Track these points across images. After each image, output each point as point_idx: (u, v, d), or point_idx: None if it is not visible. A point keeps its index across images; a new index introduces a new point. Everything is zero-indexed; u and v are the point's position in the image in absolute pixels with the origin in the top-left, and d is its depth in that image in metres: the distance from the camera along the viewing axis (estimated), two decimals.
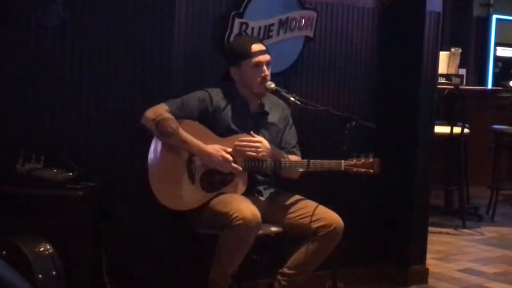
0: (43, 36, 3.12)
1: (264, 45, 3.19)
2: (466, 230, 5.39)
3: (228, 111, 3.15)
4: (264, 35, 3.48)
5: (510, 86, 8.31)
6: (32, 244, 2.86)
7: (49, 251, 2.86)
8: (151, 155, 3.04)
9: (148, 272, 3.25)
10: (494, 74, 8.83)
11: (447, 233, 5.27)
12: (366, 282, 3.91)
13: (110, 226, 3.19)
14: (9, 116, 3.14)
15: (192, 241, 3.20)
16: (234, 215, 2.86)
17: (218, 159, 3.03)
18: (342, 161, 3.13)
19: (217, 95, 3.16)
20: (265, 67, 3.13)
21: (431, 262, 4.30)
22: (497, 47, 8.83)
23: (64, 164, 3.08)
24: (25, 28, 3.10)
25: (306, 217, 3.09)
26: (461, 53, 6.57)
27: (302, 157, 3.24)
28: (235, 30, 3.39)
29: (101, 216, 3.14)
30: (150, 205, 3.05)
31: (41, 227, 2.94)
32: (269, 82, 3.21)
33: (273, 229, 3.12)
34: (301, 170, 3.18)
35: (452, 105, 5.49)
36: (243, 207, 2.89)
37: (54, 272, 2.84)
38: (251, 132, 3.13)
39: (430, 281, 4.05)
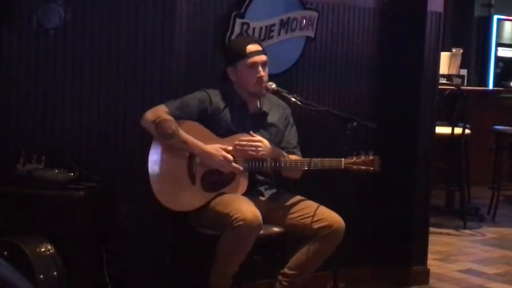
0: (44, 36, 3.12)
1: (261, 46, 3.18)
2: (467, 231, 5.39)
3: (227, 112, 3.15)
4: (265, 36, 3.48)
5: (511, 87, 8.31)
6: (33, 244, 2.86)
7: (50, 251, 2.86)
8: (151, 156, 3.04)
9: (150, 272, 3.24)
10: (495, 74, 8.82)
11: (448, 234, 5.26)
12: (367, 283, 3.91)
13: (111, 226, 3.19)
14: (10, 116, 3.14)
15: (194, 241, 3.19)
16: (235, 216, 2.85)
17: (219, 159, 3.03)
18: (342, 159, 3.12)
19: (216, 96, 3.16)
20: (260, 68, 3.12)
21: (432, 263, 4.29)
22: (498, 48, 8.82)
23: (65, 164, 3.08)
24: (26, 28, 3.10)
25: (307, 217, 3.09)
26: (462, 54, 6.57)
27: (304, 157, 3.24)
28: (236, 30, 3.39)
29: (103, 216, 3.14)
30: (151, 205, 3.05)
31: (42, 227, 2.94)
32: (270, 83, 3.21)
33: (274, 229, 3.12)
34: (302, 169, 3.18)
35: (453, 106, 5.49)
36: (244, 208, 2.89)
37: (55, 272, 2.84)
38: (251, 132, 3.13)
39: (431, 281, 4.05)
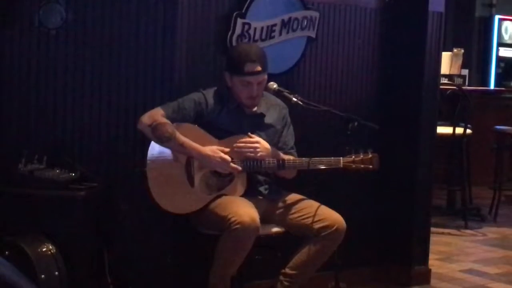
0: (46, 36, 3.13)
1: (262, 62, 3.08)
2: (468, 231, 5.38)
3: (224, 113, 3.14)
4: (266, 36, 3.48)
5: None
6: (34, 244, 2.86)
7: (52, 251, 2.87)
8: (149, 160, 3.04)
9: (151, 272, 3.25)
10: (497, 74, 8.81)
11: (449, 234, 5.26)
12: (369, 283, 3.91)
13: (112, 226, 3.20)
14: (11, 116, 3.14)
15: (194, 241, 3.20)
16: (232, 219, 2.85)
17: (217, 160, 3.03)
18: (341, 158, 3.11)
19: (212, 97, 3.14)
20: (255, 87, 3.08)
21: (434, 263, 4.29)
22: (500, 48, 8.81)
23: (66, 164, 3.08)
24: (27, 28, 3.10)
25: (308, 217, 3.08)
26: (464, 54, 6.56)
27: (304, 157, 3.23)
28: (238, 30, 3.39)
29: (104, 216, 3.15)
30: (152, 205, 3.04)
31: (44, 227, 2.94)
32: (271, 83, 3.22)
33: (275, 229, 3.12)
34: (300, 169, 3.17)
35: (455, 106, 5.48)
36: (242, 211, 2.88)
37: (56, 272, 2.84)
38: (249, 133, 3.12)
39: (433, 281, 4.05)
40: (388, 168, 3.30)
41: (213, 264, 2.97)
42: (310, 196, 3.21)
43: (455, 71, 6.35)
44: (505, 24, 8.84)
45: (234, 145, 3.08)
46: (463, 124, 5.43)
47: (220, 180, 3.08)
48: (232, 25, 3.37)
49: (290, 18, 3.57)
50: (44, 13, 3.11)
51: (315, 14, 3.66)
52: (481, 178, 6.25)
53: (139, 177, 3.03)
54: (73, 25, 3.14)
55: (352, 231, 3.11)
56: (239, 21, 3.39)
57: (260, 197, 3.16)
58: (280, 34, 3.54)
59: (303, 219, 3.10)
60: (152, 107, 3.07)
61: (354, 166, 3.11)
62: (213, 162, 3.03)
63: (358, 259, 3.81)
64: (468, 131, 5.49)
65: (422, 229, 4.04)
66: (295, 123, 3.35)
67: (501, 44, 8.83)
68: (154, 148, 3.05)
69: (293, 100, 3.16)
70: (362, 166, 3.12)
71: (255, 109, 3.21)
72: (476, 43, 8.82)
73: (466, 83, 6.64)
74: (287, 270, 3.09)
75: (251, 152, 3.07)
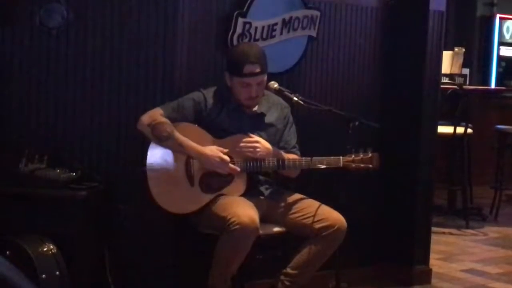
0: (47, 36, 3.12)
1: (261, 63, 3.07)
2: (469, 230, 5.38)
3: (224, 113, 3.14)
4: (267, 35, 3.48)
5: None
6: (35, 243, 2.86)
7: (52, 251, 2.86)
8: (149, 159, 3.03)
9: (152, 272, 3.24)
10: (498, 73, 8.80)
11: (450, 233, 5.26)
12: (369, 282, 3.90)
13: (113, 226, 3.19)
14: (12, 116, 3.14)
15: (195, 240, 3.19)
16: (231, 220, 2.84)
17: (216, 160, 3.02)
18: (341, 157, 3.11)
19: (212, 97, 3.14)
20: (254, 88, 3.08)
21: (435, 262, 4.29)
22: (501, 47, 8.80)
23: (67, 164, 3.08)
24: (28, 28, 3.10)
25: (309, 217, 3.08)
26: (465, 53, 6.56)
27: (305, 156, 3.23)
28: (239, 29, 3.38)
29: (104, 216, 3.14)
30: (152, 205, 3.04)
31: (45, 226, 2.94)
32: (272, 82, 3.21)
33: (276, 229, 3.12)
34: (301, 168, 3.17)
35: (456, 105, 5.48)
36: (241, 212, 2.88)
37: (57, 272, 2.84)
38: (248, 133, 3.12)
39: (434, 281, 4.05)
40: (389, 167, 3.29)
41: (213, 264, 2.97)
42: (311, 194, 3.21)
43: (456, 70, 6.35)
44: (506, 23, 8.83)
45: (234, 145, 3.08)
46: (464, 124, 5.43)
47: (220, 180, 3.08)
48: (233, 24, 3.37)
49: (291, 17, 3.56)
50: (45, 13, 3.11)
51: (316, 13, 3.65)
52: (482, 177, 6.25)
53: (139, 176, 3.03)
54: (74, 25, 3.14)
55: (353, 231, 3.11)
56: (240, 20, 3.38)
57: (261, 197, 3.16)
58: (281, 33, 3.54)
59: (304, 218, 3.09)
60: (153, 107, 3.07)
61: (354, 165, 3.10)
62: (212, 162, 3.03)
63: (358, 258, 3.80)
64: (469, 130, 5.49)
65: (423, 229, 4.04)
66: (296, 122, 3.34)
67: (502, 43, 8.82)
68: (154, 148, 3.05)
69: (294, 100, 3.16)
70: (362, 165, 3.11)
71: (255, 108, 3.20)
72: (477, 42, 8.81)
73: (467, 82, 6.63)
74: (288, 270, 3.09)
75: (250, 152, 3.07)
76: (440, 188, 5.47)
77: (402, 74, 3.98)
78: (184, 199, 3.04)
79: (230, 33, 3.37)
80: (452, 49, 6.45)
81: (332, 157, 3.11)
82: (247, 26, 3.41)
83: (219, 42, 3.39)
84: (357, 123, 3.09)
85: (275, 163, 3.10)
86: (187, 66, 3.29)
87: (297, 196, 3.21)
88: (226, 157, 3.04)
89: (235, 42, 3.37)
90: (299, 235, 3.11)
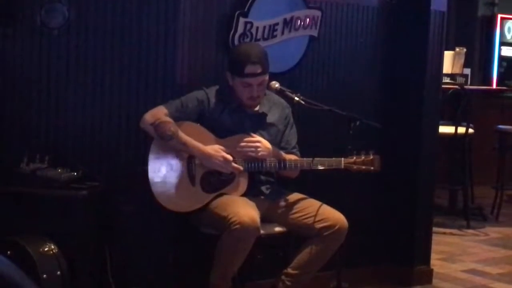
0: (48, 36, 3.12)
1: (262, 63, 3.07)
2: (470, 231, 5.38)
3: (226, 112, 3.14)
4: (268, 35, 3.48)
5: None
6: (36, 244, 2.86)
7: (54, 251, 2.86)
8: (150, 158, 3.03)
9: (153, 271, 3.25)
10: (499, 73, 8.79)
11: (451, 234, 5.26)
12: (371, 282, 3.90)
13: (114, 226, 3.19)
14: (13, 116, 3.14)
15: (196, 240, 3.19)
16: (232, 220, 2.84)
17: (218, 159, 3.03)
18: (342, 159, 3.11)
19: (214, 96, 3.14)
20: (255, 88, 3.08)
21: (436, 263, 4.29)
22: (502, 47, 8.80)
23: (68, 164, 3.08)
24: (29, 28, 3.10)
25: (310, 217, 3.08)
26: (466, 53, 6.55)
27: (306, 157, 3.23)
28: (240, 29, 3.38)
29: (105, 216, 3.14)
30: (154, 204, 3.04)
31: (46, 226, 2.94)
32: (274, 82, 3.21)
33: (277, 229, 3.12)
34: (302, 169, 3.17)
35: (457, 105, 5.48)
36: (242, 212, 2.88)
37: (58, 272, 2.84)
38: (250, 132, 3.12)
39: (435, 281, 4.05)
40: (390, 167, 3.29)
41: (213, 264, 2.97)
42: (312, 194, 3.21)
43: (457, 70, 6.34)
44: (508, 23, 8.82)
45: (236, 144, 3.08)
46: (465, 124, 5.42)
47: (221, 179, 3.08)
48: (234, 24, 3.37)
49: (292, 17, 3.56)
50: (46, 13, 3.11)
51: (317, 13, 3.65)
52: (483, 177, 6.24)
53: (140, 176, 3.03)
54: (75, 25, 3.14)
55: (354, 231, 3.11)
56: (241, 20, 3.38)
57: (262, 197, 3.16)
58: (282, 33, 3.54)
59: (305, 218, 3.09)
60: (154, 106, 3.07)
61: (355, 167, 3.12)
62: (215, 161, 3.03)
63: (359, 258, 3.80)
64: (470, 130, 5.48)
65: (424, 229, 4.04)
66: (297, 122, 3.34)
67: (503, 43, 8.81)
68: (156, 147, 3.05)
69: (295, 99, 3.16)
70: (364, 167, 3.13)
71: (257, 108, 3.20)
72: (478, 42, 8.81)
73: (468, 82, 6.63)
74: (289, 270, 3.09)
75: (252, 151, 3.07)
76: (441, 188, 5.48)
77: (403, 74, 3.97)
78: (185, 198, 3.04)
79: (231, 33, 3.37)
80: (453, 49, 6.45)
81: (333, 159, 3.11)
82: (248, 26, 3.41)
83: (220, 42, 3.39)
84: (358, 123, 3.09)
85: (276, 163, 3.10)
86: (188, 66, 3.29)
87: (298, 196, 3.21)
88: (229, 156, 3.04)
89: (236, 42, 3.37)
90: (300, 235, 3.11)
